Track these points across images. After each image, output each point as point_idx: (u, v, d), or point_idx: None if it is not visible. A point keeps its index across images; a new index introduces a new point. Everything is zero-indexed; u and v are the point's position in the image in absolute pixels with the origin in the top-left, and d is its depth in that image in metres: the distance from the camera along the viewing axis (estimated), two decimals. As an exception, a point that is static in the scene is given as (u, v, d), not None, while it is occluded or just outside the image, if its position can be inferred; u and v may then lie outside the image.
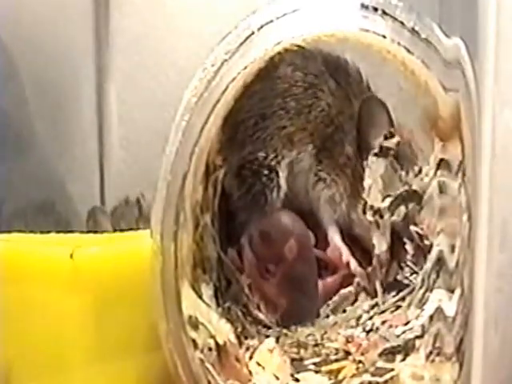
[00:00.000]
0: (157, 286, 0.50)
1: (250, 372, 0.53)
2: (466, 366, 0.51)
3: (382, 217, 0.58)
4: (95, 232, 0.63)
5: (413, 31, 0.51)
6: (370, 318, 0.57)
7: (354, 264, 0.59)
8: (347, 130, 0.60)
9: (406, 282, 0.58)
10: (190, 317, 0.51)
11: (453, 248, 0.52)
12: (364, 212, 0.59)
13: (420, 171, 0.58)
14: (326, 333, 0.57)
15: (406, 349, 0.54)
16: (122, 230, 0.64)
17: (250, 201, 0.58)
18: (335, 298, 0.59)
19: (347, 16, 0.51)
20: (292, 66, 0.59)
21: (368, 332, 0.56)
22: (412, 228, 0.58)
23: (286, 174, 0.59)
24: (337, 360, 0.55)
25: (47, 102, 0.70)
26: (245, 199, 0.59)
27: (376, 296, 0.58)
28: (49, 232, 0.58)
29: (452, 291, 0.53)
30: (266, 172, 0.59)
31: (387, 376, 0.53)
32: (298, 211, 0.59)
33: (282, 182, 0.59)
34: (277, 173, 0.59)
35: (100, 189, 0.72)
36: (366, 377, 0.53)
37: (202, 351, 0.52)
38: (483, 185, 0.47)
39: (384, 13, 0.51)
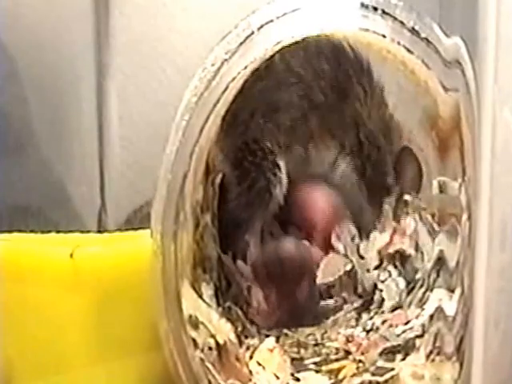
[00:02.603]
0: (157, 285, 0.50)
1: (251, 371, 0.53)
2: (467, 365, 0.51)
3: None
4: (98, 231, 0.63)
5: (413, 31, 0.51)
6: (371, 318, 0.57)
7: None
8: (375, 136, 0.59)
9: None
10: (191, 316, 0.51)
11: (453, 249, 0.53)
12: None
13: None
14: (326, 332, 0.57)
15: (407, 348, 0.54)
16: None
17: (254, 197, 0.58)
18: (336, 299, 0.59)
19: (347, 15, 0.51)
20: (316, 55, 0.58)
21: (368, 331, 0.57)
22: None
23: (287, 168, 0.59)
24: (337, 359, 0.55)
25: (47, 101, 0.70)
26: (247, 196, 0.58)
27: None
28: (49, 232, 0.58)
29: (452, 291, 0.53)
30: (270, 166, 0.58)
31: (387, 375, 0.53)
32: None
33: (284, 176, 0.59)
34: (279, 167, 0.58)
35: (100, 188, 0.72)
36: (367, 376, 0.53)
37: (202, 350, 0.52)
38: (483, 184, 0.47)
39: (384, 12, 0.51)
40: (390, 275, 0.59)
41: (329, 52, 0.57)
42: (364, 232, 0.60)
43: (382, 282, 0.59)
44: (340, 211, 0.60)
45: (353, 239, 0.60)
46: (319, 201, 0.60)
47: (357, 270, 0.59)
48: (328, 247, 0.60)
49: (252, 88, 0.55)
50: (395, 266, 0.58)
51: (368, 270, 0.59)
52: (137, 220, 0.69)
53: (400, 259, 0.58)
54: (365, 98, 0.58)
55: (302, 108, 0.58)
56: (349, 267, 0.59)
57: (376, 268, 0.59)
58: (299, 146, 0.59)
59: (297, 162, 0.59)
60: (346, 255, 0.59)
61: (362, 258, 0.59)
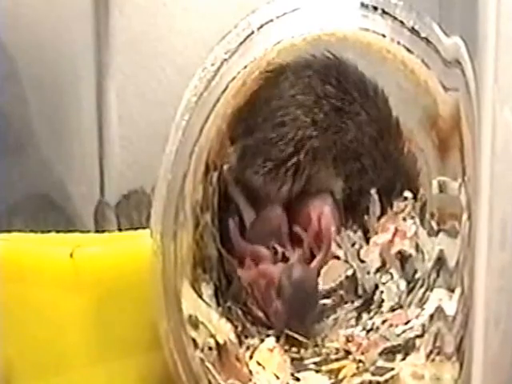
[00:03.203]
0: (157, 285, 0.50)
1: (251, 371, 0.53)
2: (467, 365, 0.51)
3: None
4: (97, 230, 0.63)
5: (412, 30, 0.51)
6: (371, 318, 0.57)
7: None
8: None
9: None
10: (190, 316, 0.51)
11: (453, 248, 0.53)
12: None
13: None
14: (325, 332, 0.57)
15: (407, 348, 0.54)
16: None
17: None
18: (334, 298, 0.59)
19: (347, 15, 0.51)
20: (321, 78, 0.58)
21: (368, 331, 0.56)
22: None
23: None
24: (337, 359, 0.55)
25: (47, 101, 0.70)
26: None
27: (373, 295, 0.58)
28: (49, 232, 0.58)
29: (452, 290, 0.52)
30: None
31: (387, 375, 0.53)
32: None
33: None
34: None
35: (100, 188, 0.72)
36: (367, 376, 0.53)
37: (202, 350, 0.52)
38: (483, 184, 0.46)
39: (384, 12, 0.51)
40: (392, 277, 0.58)
41: (335, 75, 0.58)
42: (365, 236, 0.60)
43: (384, 283, 0.58)
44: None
45: (353, 245, 0.60)
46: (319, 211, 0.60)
47: (357, 275, 0.59)
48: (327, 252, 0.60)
49: (262, 99, 0.56)
50: (397, 268, 0.58)
51: (368, 273, 0.59)
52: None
53: (401, 260, 0.58)
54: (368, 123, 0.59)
55: (303, 130, 0.58)
56: (350, 272, 0.59)
57: (377, 270, 0.59)
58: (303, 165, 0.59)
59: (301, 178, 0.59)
60: (346, 261, 0.59)
61: (362, 261, 0.59)
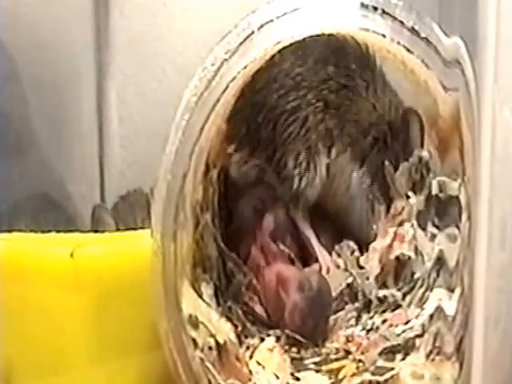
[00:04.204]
0: (157, 285, 0.50)
1: (250, 371, 0.53)
2: (466, 365, 0.51)
3: None
4: (96, 231, 0.63)
5: (412, 30, 0.51)
6: (371, 318, 0.57)
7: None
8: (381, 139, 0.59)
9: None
10: (190, 316, 0.52)
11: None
12: None
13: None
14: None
15: (406, 348, 0.54)
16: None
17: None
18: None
19: (347, 15, 0.51)
20: (321, 59, 0.58)
21: (368, 331, 0.56)
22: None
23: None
24: (337, 359, 0.55)
25: (47, 101, 0.70)
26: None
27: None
28: (49, 231, 0.58)
29: (452, 290, 0.53)
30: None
31: (387, 375, 0.53)
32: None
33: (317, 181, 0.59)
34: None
35: (100, 188, 0.72)
36: (367, 376, 0.53)
37: (202, 350, 0.52)
38: (483, 184, 0.47)
39: (384, 12, 0.51)
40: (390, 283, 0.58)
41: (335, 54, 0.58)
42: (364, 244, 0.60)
43: (382, 288, 0.59)
44: None
45: (352, 253, 0.60)
46: None
47: (357, 281, 0.59)
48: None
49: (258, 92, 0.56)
50: (396, 272, 0.58)
51: (368, 278, 0.59)
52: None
53: (398, 264, 0.58)
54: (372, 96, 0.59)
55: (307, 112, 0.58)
56: (350, 280, 0.59)
57: (377, 277, 0.59)
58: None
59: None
60: (346, 269, 0.59)
61: (361, 268, 0.59)
